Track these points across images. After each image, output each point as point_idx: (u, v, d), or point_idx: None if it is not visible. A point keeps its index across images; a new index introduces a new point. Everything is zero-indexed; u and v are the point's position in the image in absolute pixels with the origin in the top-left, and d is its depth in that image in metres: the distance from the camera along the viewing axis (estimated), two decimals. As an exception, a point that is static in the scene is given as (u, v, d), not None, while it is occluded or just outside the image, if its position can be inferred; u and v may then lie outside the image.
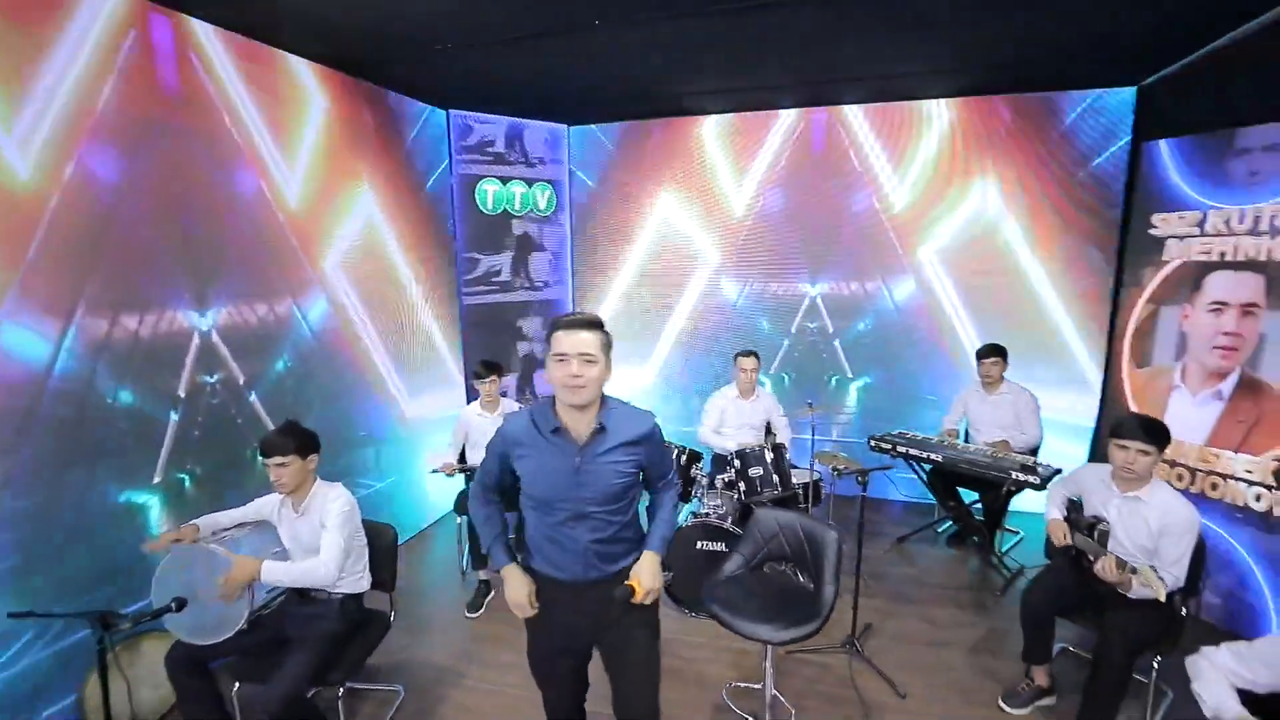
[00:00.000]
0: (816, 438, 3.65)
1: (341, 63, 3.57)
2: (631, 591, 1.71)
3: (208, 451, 2.95)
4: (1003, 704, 2.62)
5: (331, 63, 3.53)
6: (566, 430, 1.69)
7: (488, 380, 3.71)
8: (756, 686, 2.69)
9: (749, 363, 3.87)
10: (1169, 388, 3.27)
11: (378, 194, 3.94)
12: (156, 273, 2.72)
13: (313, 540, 2.39)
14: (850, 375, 4.91)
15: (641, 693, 1.83)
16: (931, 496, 4.07)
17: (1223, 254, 3.07)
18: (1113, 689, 2.26)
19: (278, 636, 2.38)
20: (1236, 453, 3.02)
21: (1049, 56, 3.65)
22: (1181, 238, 3.22)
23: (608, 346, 1.68)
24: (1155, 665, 2.37)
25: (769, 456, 3.34)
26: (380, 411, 4.14)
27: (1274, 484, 2.90)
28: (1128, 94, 4.02)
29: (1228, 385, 3.06)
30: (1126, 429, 2.35)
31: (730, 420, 3.89)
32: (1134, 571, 2.21)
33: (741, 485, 3.34)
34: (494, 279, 4.98)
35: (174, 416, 2.80)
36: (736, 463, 3.39)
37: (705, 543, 3.21)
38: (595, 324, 1.66)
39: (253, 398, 3.20)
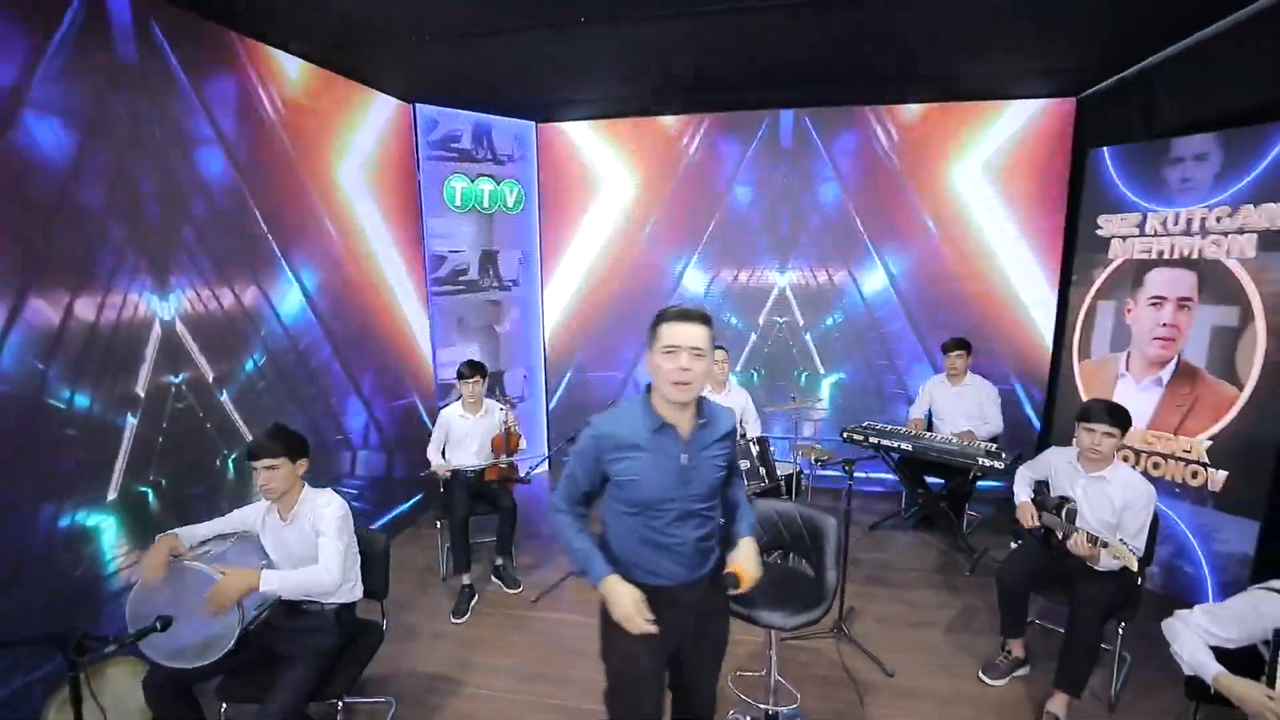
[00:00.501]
0: (784, 434, 3.76)
1: (306, 51, 3.42)
2: (737, 580, 1.67)
3: (173, 461, 2.75)
4: (983, 676, 2.78)
5: (297, 51, 3.38)
6: (671, 427, 1.64)
7: (471, 381, 3.64)
8: (759, 673, 2.75)
9: (718, 355, 3.93)
10: (1115, 376, 3.55)
11: (342, 187, 3.78)
12: (109, 252, 2.49)
13: (303, 550, 2.28)
14: (822, 371, 5.07)
15: (711, 681, 1.87)
16: (899, 484, 4.26)
17: (1160, 253, 3.35)
18: (1086, 653, 2.43)
19: (267, 653, 2.25)
20: (1175, 434, 3.31)
21: (994, 73, 3.97)
22: (1124, 238, 3.50)
23: (713, 341, 1.64)
24: (1120, 631, 2.58)
25: (754, 449, 3.42)
26: (356, 413, 3.99)
27: (1208, 462, 3.20)
28: (1069, 105, 4.34)
29: (1166, 373, 3.35)
30: (1094, 414, 2.54)
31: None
32: (1105, 545, 2.40)
33: (728, 479, 3.40)
34: (460, 278, 4.87)
35: (131, 421, 2.59)
36: (722, 457, 3.44)
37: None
38: (706, 318, 1.61)
39: (224, 397, 3.02)
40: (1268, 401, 2.98)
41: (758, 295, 5.11)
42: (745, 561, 1.70)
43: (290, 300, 3.43)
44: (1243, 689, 1.67)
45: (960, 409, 4.07)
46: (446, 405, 3.85)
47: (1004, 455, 3.46)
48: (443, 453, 3.75)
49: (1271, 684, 1.65)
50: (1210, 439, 3.18)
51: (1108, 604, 2.48)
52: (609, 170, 5.11)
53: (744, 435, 3.56)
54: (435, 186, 4.59)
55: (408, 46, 3.40)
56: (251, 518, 2.36)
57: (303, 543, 2.29)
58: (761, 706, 2.52)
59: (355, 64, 3.70)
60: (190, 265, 2.85)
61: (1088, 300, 3.69)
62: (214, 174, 2.95)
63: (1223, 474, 3.14)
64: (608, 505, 1.74)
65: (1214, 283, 3.15)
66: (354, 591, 2.38)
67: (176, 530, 2.20)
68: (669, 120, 4.95)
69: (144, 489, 2.65)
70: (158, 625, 1.91)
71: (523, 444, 3.79)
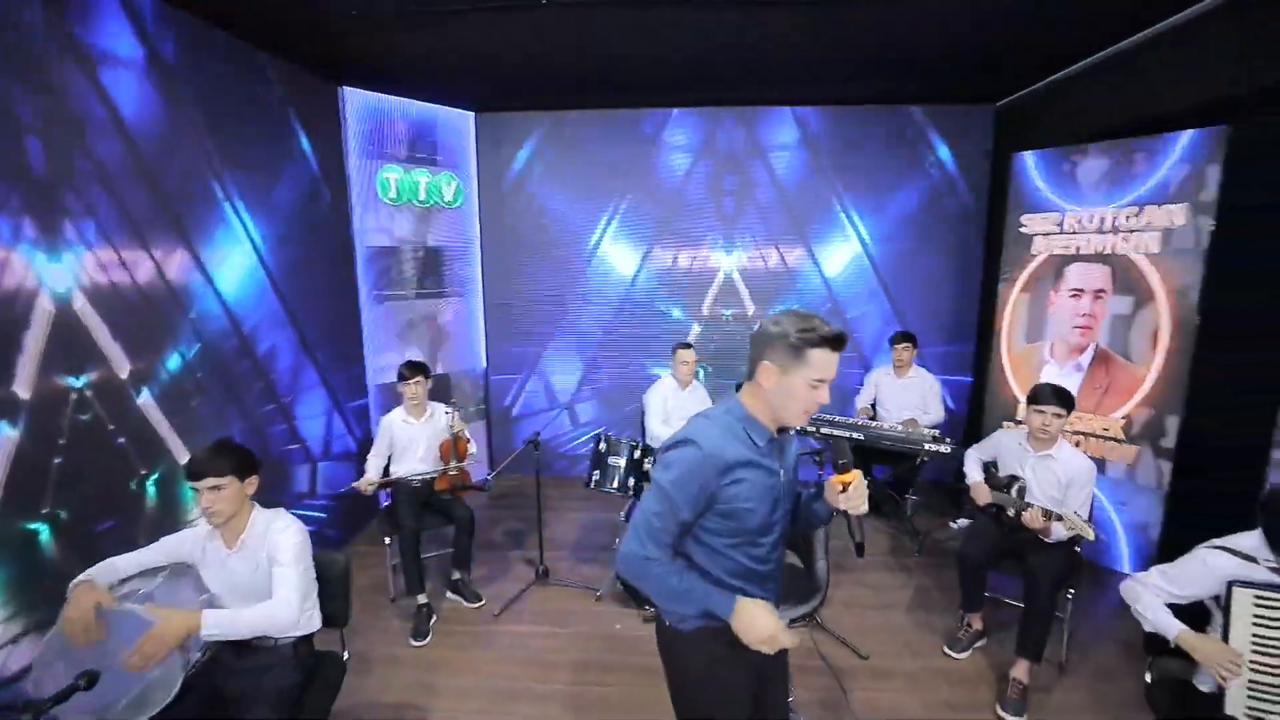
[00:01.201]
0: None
1: (228, 22, 3.05)
2: (850, 469, 1.52)
3: (75, 487, 2.34)
4: (948, 651, 2.92)
5: (218, 22, 3.00)
6: (777, 441, 1.52)
7: (413, 382, 3.40)
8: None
9: (688, 354, 3.92)
10: (1041, 362, 3.85)
11: (264, 170, 3.41)
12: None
13: (254, 582, 2.02)
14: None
15: (785, 693, 1.81)
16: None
17: (1078, 249, 3.66)
18: (1045, 620, 2.60)
19: (215, 698, 1.98)
20: (1094, 413, 3.63)
21: (918, 85, 4.23)
22: (1045, 235, 3.79)
23: None
24: (1069, 598, 2.78)
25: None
26: (316, 414, 3.64)
27: (1122, 438, 3.53)
28: (988, 112, 4.67)
29: (1086, 358, 3.67)
30: (1043, 397, 2.72)
31: (674, 412, 3.91)
32: (1059, 519, 2.57)
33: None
34: (400, 274, 4.56)
35: (8, 433, 2.09)
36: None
37: (664, 536, 3.20)
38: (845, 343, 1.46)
39: (143, 400, 2.60)
40: (1171, 382, 3.32)
41: (700, 280, 5.12)
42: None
43: (233, 266, 3.01)
44: (1202, 645, 1.82)
45: (905, 400, 4.26)
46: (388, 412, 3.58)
47: (948, 440, 3.65)
48: (387, 465, 3.50)
49: (1225, 637, 1.81)
50: (1124, 417, 3.51)
51: (1059, 571, 2.66)
52: (548, 162, 4.97)
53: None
54: (366, 177, 4.26)
55: (340, 25, 3.13)
56: (187, 547, 2.06)
57: (253, 574, 2.03)
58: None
59: (280, 41, 3.36)
60: (90, 216, 2.36)
61: (1014, 293, 3.97)
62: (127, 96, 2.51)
63: (1133, 449, 3.47)
64: (693, 542, 1.52)
65: (1124, 276, 3.48)
66: (312, 621, 2.13)
67: (90, 572, 1.87)
68: (620, 111, 4.88)
69: (34, 526, 2.22)
70: (81, 684, 1.60)
71: (472, 448, 3.58)
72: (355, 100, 4.14)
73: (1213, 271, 3.15)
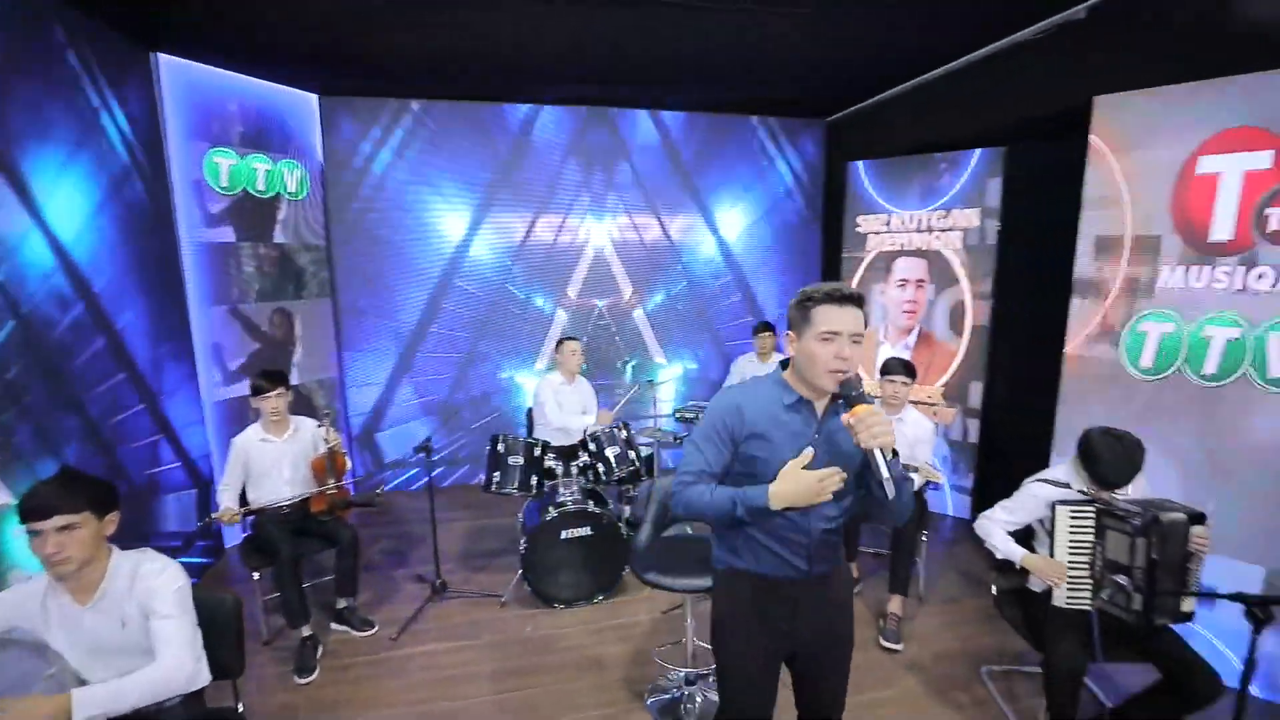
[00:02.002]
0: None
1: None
2: (861, 402, 1.38)
3: None
4: (887, 644, 2.95)
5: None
6: (808, 403, 1.52)
7: (273, 394, 3.01)
8: (678, 643, 2.87)
9: (574, 345, 3.93)
10: (878, 344, 4.46)
11: (57, 144, 2.80)
12: None
13: (121, 642, 1.68)
14: (627, 358, 5.34)
15: (838, 684, 1.72)
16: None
17: (903, 245, 4.31)
18: (909, 557, 3.06)
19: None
20: (920, 384, 4.30)
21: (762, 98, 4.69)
22: (877, 233, 4.41)
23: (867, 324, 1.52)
24: (924, 539, 3.27)
25: (623, 434, 3.48)
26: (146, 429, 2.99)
27: (943, 404, 4.23)
28: (821, 125, 5.29)
29: (912, 338, 4.33)
30: (894, 369, 3.17)
31: (565, 406, 3.90)
32: (916, 470, 3.03)
33: (600, 466, 3.41)
34: (239, 273, 3.98)
35: None
36: (592, 445, 3.44)
37: (570, 530, 3.20)
38: (862, 299, 1.48)
39: None
40: (975, 354, 4.06)
41: (565, 260, 5.13)
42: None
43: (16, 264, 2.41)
44: (1039, 563, 2.27)
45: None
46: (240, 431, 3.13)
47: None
48: (244, 492, 3.06)
49: (1052, 550, 2.28)
50: (943, 385, 4.21)
51: (918, 516, 3.13)
52: (408, 154, 4.67)
53: (612, 424, 3.59)
54: (192, 162, 3.66)
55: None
56: (22, 609, 1.66)
57: (118, 633, 1.69)
58: (683, 671, 2.62)
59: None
60: None
61: (854, 284, 4.56)
62: None
63: (952, 411, 4.18)
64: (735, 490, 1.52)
65: (938, 268, 4.17)
66: (202, 675, 1.81)
67: None
68: (483, 105, 4.71)
69: None
70: None
71: (349, 463, 3.26)
72: (175, 72, 3.53)
73: (1001, 264, 3.90)
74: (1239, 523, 2.50)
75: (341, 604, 3.11)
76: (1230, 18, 2.58)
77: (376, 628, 3.10)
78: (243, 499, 3.07)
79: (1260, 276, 2.48)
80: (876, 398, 3.21)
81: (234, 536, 3.92)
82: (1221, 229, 2.55)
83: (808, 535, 1.55)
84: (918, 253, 4.25)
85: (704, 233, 5.30)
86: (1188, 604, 2.08)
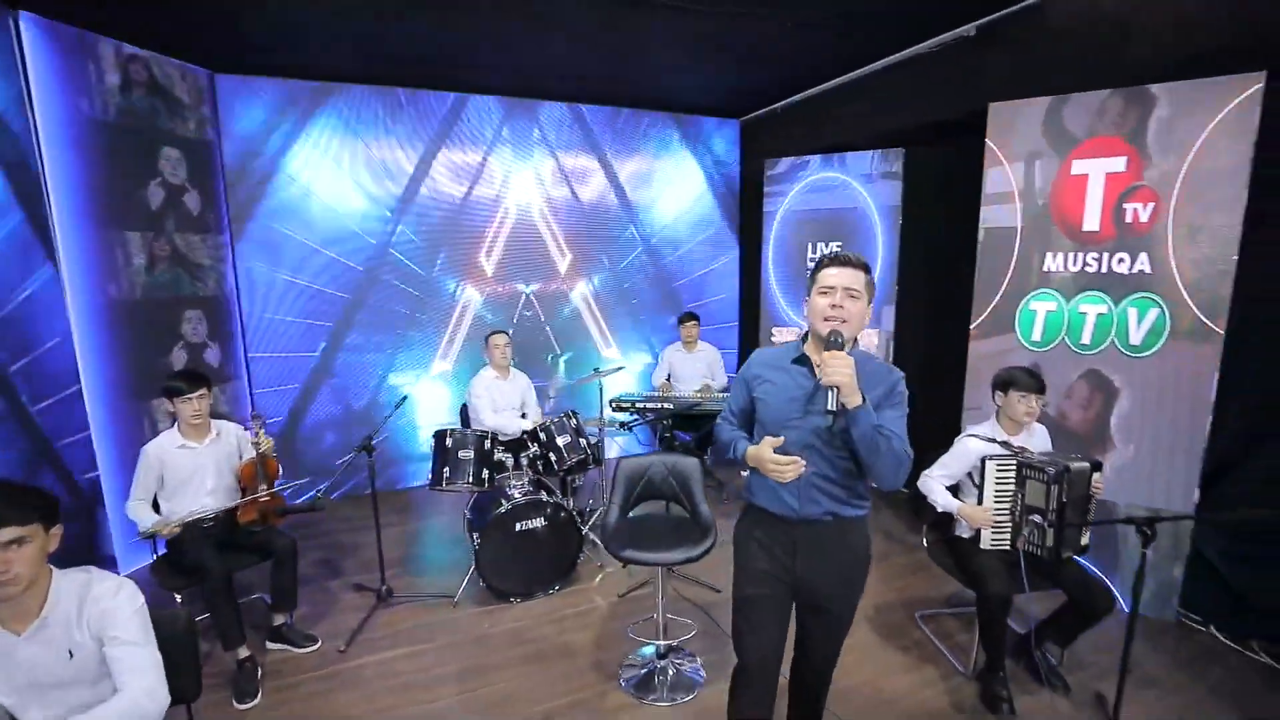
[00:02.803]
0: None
1: None
2: (837, 348, 1.57)
3: None
4: None
5: None
6: (809, 358, 1.72)
7: (194, 396, 2.73)
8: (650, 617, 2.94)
9: (500, 339, 3.87)
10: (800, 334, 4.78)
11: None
12: None
13: (69, 674, 1.50)
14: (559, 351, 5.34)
15: (831, 644, 1.91)
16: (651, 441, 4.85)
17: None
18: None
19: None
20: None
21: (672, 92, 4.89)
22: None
23: (872, 288, 1.71)
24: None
25: (572, 423, 3.48)
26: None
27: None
28: (735, 124, 5.56)
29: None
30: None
31: (499, 402, 3.82)
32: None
33: (551, 455, 3.39)
34: (130, 262, 3.52)
35: None
36: (542, 435, 3.41)
37: (523, 522, 3.17)
38: (865, 265, 1.70)
39: None
40: (888, 342, 4.47)
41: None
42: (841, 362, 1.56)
43: None
44: (971, 511, 2.57)
45: (695, 370, 4.85)
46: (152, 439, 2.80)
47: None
48: (155, 505, 2.74)
49: (980, 501, 2.59)
50: (856, 367, 4.59)
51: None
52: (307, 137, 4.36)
53: (564, 414, 3.57)
54: (65, 137, 3.19)
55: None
56: (-64, 642, 1.41)
57: (63, 664, 1.50)
58: (656, 643, 2.68)
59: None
60: None
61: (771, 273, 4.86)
62: None
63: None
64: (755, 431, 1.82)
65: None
66: (162, 703, 1.63)
67: None
68: (400, 90, 4.49)
69: None
70: None
71: (279, 468, 3.01)
72: (40, 30, 3.06)
73: (904, 256, 4.32)
74: (1112, 468, 2.98)
75: (278, 620, 2.86)
76: (1094, 40, 3.05)
77: (320, 642, 2.89)
78: (156, 509, 2.74)
79: (1120, 261, 2.96)
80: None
81: (135, 557, 3.47)
82: (1091, 221, 3.02)
83: (808, 481, 1.71)
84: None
85: (624, 231, 5.40)
86: (1085, 538, 2.47)
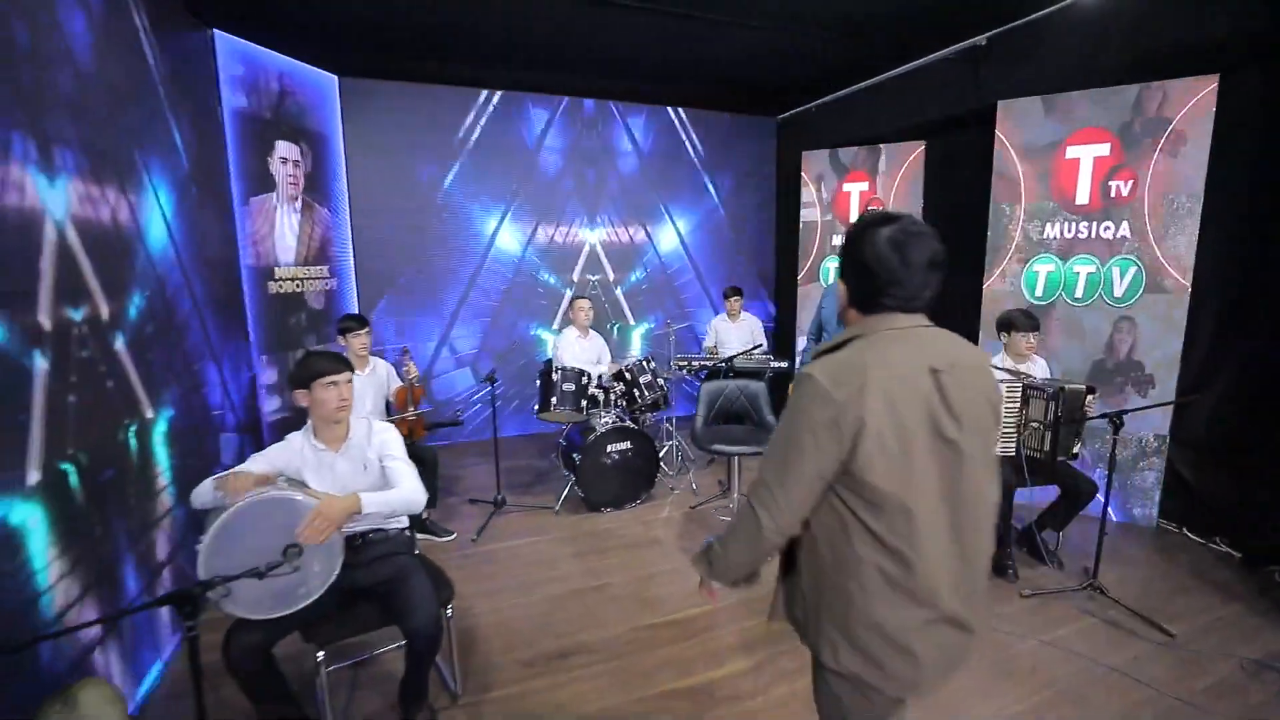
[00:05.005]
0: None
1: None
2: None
3: (86, 430, 2.10)
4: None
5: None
6: None
7: (362, 333, 3.46)
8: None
9: (585, 303, 4.57)
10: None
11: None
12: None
13: (359, 482, 2.17)
14: (632, 322, 6.06)
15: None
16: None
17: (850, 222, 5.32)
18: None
19: (344, 594, 2.10)
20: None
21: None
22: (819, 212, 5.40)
23: None
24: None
25: (650, 366, 4.19)
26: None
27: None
28: (772, 122, 6.27)
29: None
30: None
31: (580, 357, 4.52)
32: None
33: (635, 392, 4.09)
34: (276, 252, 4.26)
35: (41, 365, 1.88)
36: (628, 375, 4.12)
37: (614, 445, 3.86)
38: None
39: (119, 345, 2.35)
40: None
41: (570, 254, 5.83)
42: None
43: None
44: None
45: (739, 337, 5.52)
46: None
47: (774, 360, 5.00)
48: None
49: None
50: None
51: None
52: (413, 135, 5.10)
53: (641, 359, 4.29)
54: (247, 138, 3.92)
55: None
56: (287, 454, 2.13)
57: (360, 474, 2.19)
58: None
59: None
60: (75, 134, 2.14)
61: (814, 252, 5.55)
62: None
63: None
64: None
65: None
66: (424, 497, 2.27)
67: (245, 466, 1.93)
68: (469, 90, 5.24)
69: (65, 467, 1.99)
70: (287, 560, 1.67)
71: (424, 393, 3.73)
72: (229, 46, 3.79)
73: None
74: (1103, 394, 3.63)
75: (424, 514, 3.57)
76: (1080, 49, 3.71)
77: (455, 534, 3.60)
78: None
79: (1106, 229, 3.62)
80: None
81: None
82: (1082, 196, 3.68)
83: None
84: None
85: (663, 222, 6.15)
86: (1077, 446, 3.12)
